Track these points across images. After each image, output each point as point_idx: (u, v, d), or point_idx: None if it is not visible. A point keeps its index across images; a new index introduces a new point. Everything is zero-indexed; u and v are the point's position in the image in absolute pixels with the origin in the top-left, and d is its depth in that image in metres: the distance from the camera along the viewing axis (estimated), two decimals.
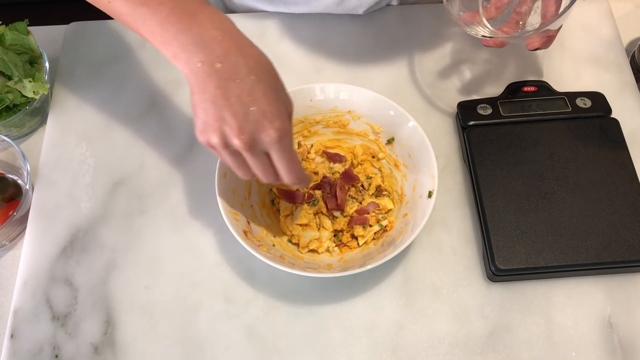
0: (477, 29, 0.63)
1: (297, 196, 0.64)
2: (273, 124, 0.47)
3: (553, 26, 0.57)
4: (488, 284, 0.61)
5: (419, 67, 0.75)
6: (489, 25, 0.64)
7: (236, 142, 0.47)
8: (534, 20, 0.63)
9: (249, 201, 0.63)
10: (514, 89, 0.70)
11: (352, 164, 0.67)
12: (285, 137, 0.48)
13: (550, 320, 0.58)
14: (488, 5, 0.64)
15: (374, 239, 0.62)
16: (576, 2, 0.54)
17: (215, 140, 0.48)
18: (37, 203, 0.66)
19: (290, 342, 0.58)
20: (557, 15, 0.56)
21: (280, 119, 0.48)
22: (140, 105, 0.72)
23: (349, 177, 0.65)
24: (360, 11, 0.76)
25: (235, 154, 0.49)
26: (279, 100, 0.49)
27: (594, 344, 0.57)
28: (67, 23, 0.79)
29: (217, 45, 0.47)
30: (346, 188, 0.65)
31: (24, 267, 0.62)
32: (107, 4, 0.50)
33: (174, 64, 0.48)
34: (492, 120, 0.67)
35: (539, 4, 0.61)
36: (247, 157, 0.49)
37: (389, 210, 0.64)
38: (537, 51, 0.75)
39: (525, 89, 0.69)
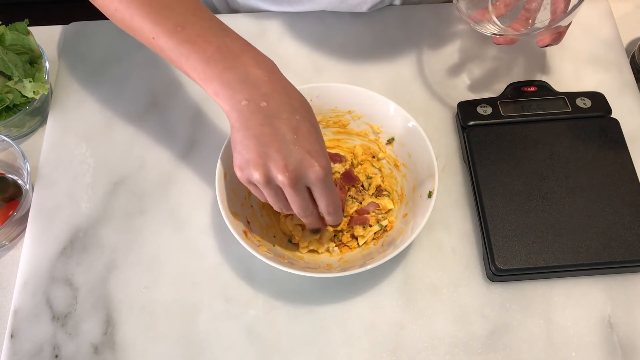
0: (487, 26, 0.63)
1: None
2: (319, 162, 0.48)
3: (563, 22, 0.57)
4: (488, 284, 0.61)
5: (418, 67, 0.75)
6: (498, 23, 0.64)
7: (281, 178, 0.47)
8: (543, 16, 0.63)
9: (249, 201, 0.63)
10: (514, 89, 0.70)
11: (352, 164, 0.67)
12: (329, 174, 0.49)
13: (550, 320, 0.58)
14: (497, 3, 0.64)
15: (374, 239, 0.62)
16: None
17: (257, 176, 0.48)
18: (37, 203, 0.66)
19: (290, 342, 0.58)
20: (568, 12, 0.56)
21: (324, 157, 0.49)
22: (141, 105, 0.72)
23: (349, 178, 0.65)
24: (364, 8, 0.76)
25: (276, 189, 0.50)
26: (321, 140, 0.50)
27: (594, 344, 0.57)
28: (67, 23, 0.79)
29: (263, 84, 0.48)
30: (346, 188, 0.65)
31: (24, 267, 0.62)
32: (150, 40, 0.52)
33: (216, 100, 0.49)
34: (492, 120, 0.67)
35: (548, 0, 0.61)
36: (290, 193, 0.49)
37: (389, 210, 0.64)
38: (538, 51, 0.75)
39: (525, 89, 0.69)
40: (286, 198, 0.51)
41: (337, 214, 0.53)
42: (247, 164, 0.48)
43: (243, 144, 0.48)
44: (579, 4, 0.55)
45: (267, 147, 0.47)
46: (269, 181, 0.48)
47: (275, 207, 0.52)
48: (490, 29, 0.62)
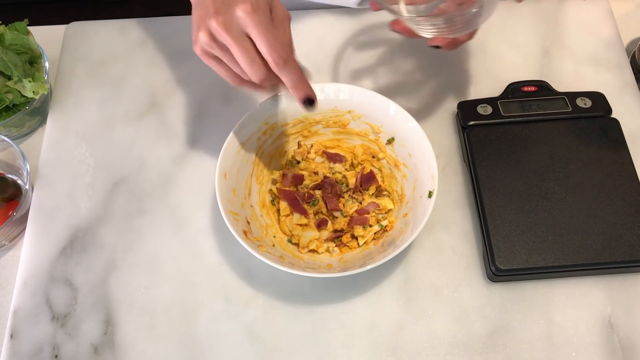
0: (392, 8, 0.57)
1: (296, 201, 0.64)
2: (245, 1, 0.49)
3: (459, 32, 0.55)
4: (488, 284, 0.61)
5: (418, 67, 0.75)
6: (403, 10, 0.59)
7: (214, 24, 0.48)
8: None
9: (249, 201, 0.63)
10: (514, 89, 0.70)
11: (352, 164, 0.67)
12: (258, 9, 0.49)
13: (550, 320, 0.58)
14: None
15: (374, 239, 0.62)
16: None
17: (202, 36, 0.49)
18: (37, 203, 0.66)
19: (290, 342, 0.58)
20: (466, 16, 0.53)
21: None
22: (140, 105, 0.72)
23: (370, 179, 0.65)
24: (351, 3, 0.75)
25: (222, 48, 0.50)
26: None
27: (594, 344, 0.57)
28: (67, 23, 0.79)
29: None
30: (361, 189, 0.65)
31: (23, 267, 0.62)
32: None
33: None
34: (492, 120, 0.67)
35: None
36: (227, 39, 0.49)
37: (389, 210, 0.64)
38: (539, 51, 0.75)
39: (526, 88, 0.69)
40: (233, 59, 0.51)
41: (280, 54, 0.49)
42: (195, 30, 0.50)
43: (194, 18, 0.50)
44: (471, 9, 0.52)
45: (207, 8, 0.49)
46: (213, 37, 0.49)
47: (232, 78, 0.52)
48: (394, 9, 0.57)
